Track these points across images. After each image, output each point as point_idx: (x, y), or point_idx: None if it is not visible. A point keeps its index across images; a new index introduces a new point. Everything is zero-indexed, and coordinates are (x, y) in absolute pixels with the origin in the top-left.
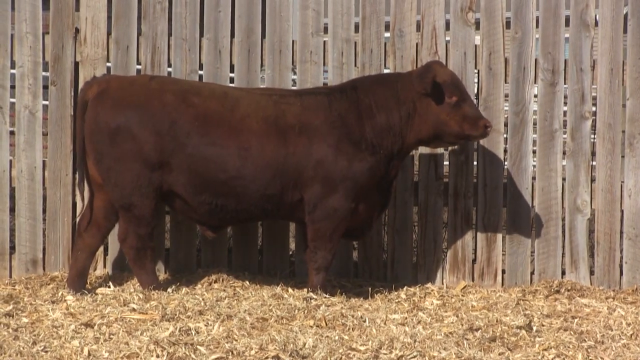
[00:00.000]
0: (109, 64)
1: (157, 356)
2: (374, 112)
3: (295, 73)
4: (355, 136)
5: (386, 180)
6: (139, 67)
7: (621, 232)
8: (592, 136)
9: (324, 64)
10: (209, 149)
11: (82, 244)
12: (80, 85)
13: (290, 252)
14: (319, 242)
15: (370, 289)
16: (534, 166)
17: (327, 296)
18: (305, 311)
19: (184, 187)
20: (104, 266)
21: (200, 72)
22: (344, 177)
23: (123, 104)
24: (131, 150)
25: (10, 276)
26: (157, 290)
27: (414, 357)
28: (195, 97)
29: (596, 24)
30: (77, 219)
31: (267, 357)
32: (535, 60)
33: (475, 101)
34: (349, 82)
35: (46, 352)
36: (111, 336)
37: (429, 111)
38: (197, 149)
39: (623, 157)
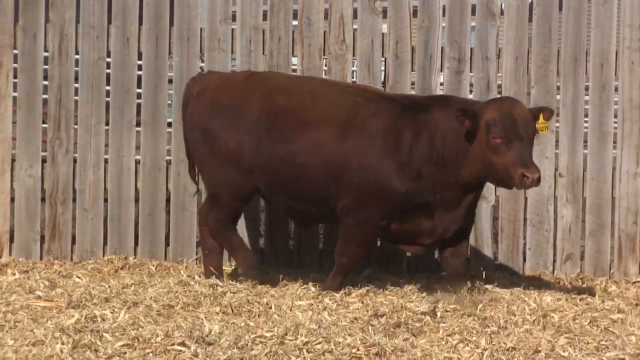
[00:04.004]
0: (16, 51)
1: (63, 343)
2: (433, 138)
3: (203, 61)
4: (401, 158)
5: (444, 202)
6: (46, 54)
7: (525, 219)
8: None
9: (232, 52)
10: (281, 147)
11: None
12: None
13: (197, 240)
14: (342, 249)
15: (277, 275)
16: None
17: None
18: (212, 298)
19: (265, 186)
20: (10, 254)
21: (108, 60)
22: (375, 194)
23: (214, 105)
24: (220, 150)
25: None
26: (253, 267)
27: (319, 343)
28: (279, 95)
29: (502, 12)
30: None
31: (173, 344)
32: (442, 48)
33: (383, 88)
34: (433, 98)
35: None
36: (16, 324)
37: (477, 148)
38: (274, 146)
39: None
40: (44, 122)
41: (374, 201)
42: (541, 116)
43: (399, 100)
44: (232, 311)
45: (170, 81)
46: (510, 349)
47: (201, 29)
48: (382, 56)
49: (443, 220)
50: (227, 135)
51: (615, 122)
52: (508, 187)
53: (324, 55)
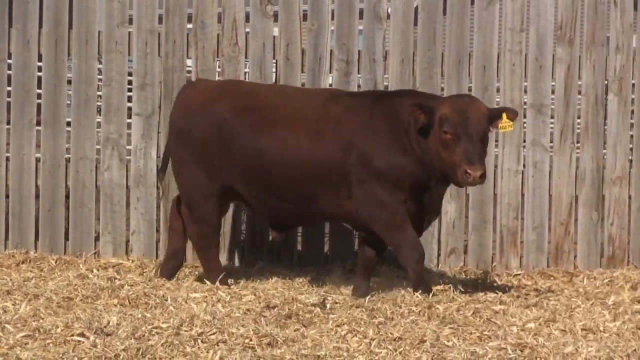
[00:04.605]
0: None
1: None
2: (410, 127)
3: (101, 62)
4: (387, 139)
5: (432, 193)
6: None
7: None
8: None
9: (129, 54)
10: (254, 148)
11: None
12: None
13: (96, 234)
14: (389, 240)
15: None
16: None
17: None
18: (109, 290)
19: (239, 185)
20: None
21: (9, 61)
22: (376, 175)
23: (189, 110)
24: (190, 152)
25: None
26: (225, 281)
27: (214, 333)
28: (248, 99)
29: (388, 16)
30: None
31: (72, 335)
32: (331, 51)
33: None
34: (403, 91)
35: None
36: None
37: (433, 142)
38: (245, 148)
39: None
40: None
41: (378, 185)
42: (504, 115)
43: (369, 94)
44: (130, 303)
45: (69, 82)
46: (396, 339)
47: (99, 32)
48: (274, 58)
49: (434, 206)
50: (196, 136)
51: None
52: (457, 184)
53: (217, 57)
